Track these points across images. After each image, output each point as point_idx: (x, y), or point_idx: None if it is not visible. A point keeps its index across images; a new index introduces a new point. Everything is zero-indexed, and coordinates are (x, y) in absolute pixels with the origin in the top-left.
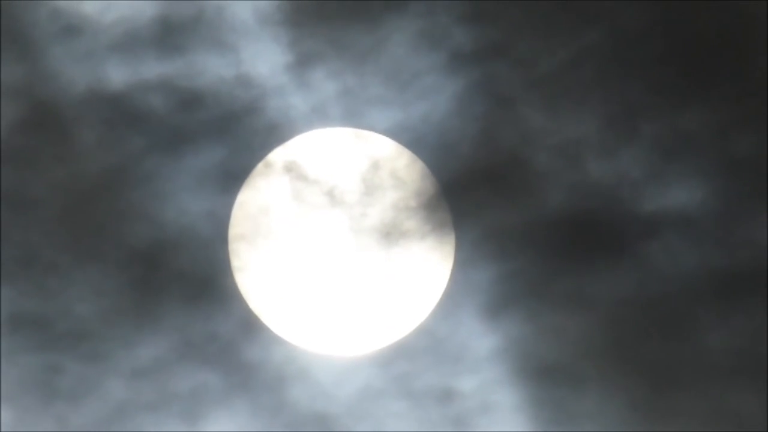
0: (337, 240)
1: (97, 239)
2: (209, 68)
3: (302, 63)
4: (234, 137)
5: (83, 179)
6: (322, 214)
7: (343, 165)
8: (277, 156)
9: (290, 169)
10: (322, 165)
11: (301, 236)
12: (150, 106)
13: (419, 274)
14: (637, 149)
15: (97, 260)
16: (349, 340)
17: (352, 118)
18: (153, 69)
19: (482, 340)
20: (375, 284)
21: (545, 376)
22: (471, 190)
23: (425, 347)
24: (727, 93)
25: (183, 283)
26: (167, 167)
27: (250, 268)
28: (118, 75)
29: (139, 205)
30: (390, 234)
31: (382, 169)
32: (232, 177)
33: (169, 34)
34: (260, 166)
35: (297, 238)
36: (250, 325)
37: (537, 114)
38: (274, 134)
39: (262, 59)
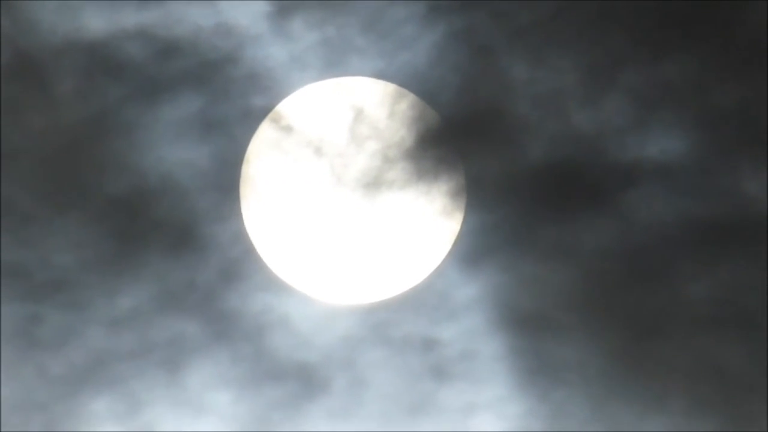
0: (321, 189)
1: (76, 189)
2: (188, 17)
3: (281, 12)
4: (213, 86)
5: (62, 129)
6: (306, 164)
7: (326, 114)
8: (258, 105)
9: (273, 119)
10: (306, 114)
11: (286, 185)
12: (128, 55)
13: (401, 224)
14: (619, 99)
15: (76, 210)
16: (331, 289)
17: (332, 67)
18: (131, 18)
19: (463, 290)
20: (357, 233)
21: (525, 325)
22: (451, 140)
23: (405, 296)
24: (708, 43)
25: (162, 232)
26: (146, 116)
27: (232, 216)
28: (96, 24)
29: (117, 155)
30: (373, 184)
31: (366, 118)
32: (211, 126)
33: None
34: (240, 115)
35: (281, 187)
36: (229, 273)
37: (517, 64)
38: (253, 84)
39: (241, 8)
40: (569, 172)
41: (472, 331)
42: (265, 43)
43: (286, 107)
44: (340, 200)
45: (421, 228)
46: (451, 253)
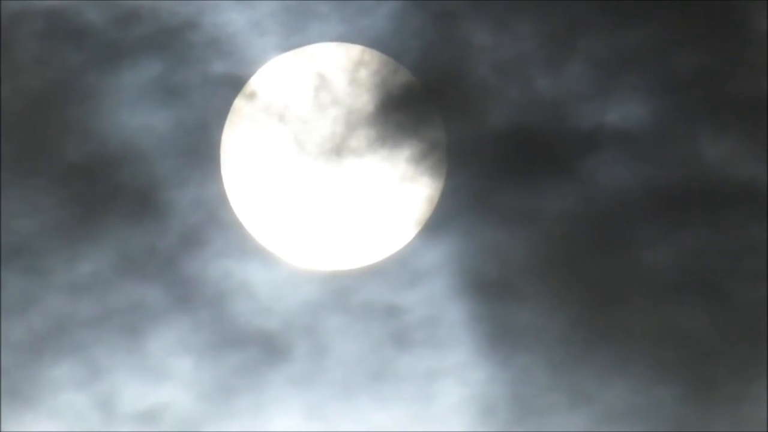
0: (284, 155)
1: (35, 155)
2: None
3: None
4: (173, 52)
5: (20, 95)
6: (270, 130)
7: (289, 81)
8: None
9: (233, 84)
10: (270, 81)
11: (249, 152)
12: (88, 20)
13: (363, 190)
14: (580, 66)
15: (35, 175)
16: (292, 255)
17: (291, 33)
18: None
19: (424, 256)
20: (319, 200)
21: (487, 291)
22: (412, 105)
23: (365, 262)
24: (669, 10)
25: (123, 198)
26: (106, 82)
27: (193, 182)
28: None
29: (78, 121)
30: (335, 150)
31: (328, 84)
32: (171, 92)
33: None
34: (200, 81)
35: (244, 153)
36: (190, 239)
37: (479, 30)
38: (214, 50)
39: None
40: (531, 138)
41: (434, 297)
42: (225, 9)
43: (247, 73)
44: (302, 167)
45: (385, 194)
46: (414, 220)
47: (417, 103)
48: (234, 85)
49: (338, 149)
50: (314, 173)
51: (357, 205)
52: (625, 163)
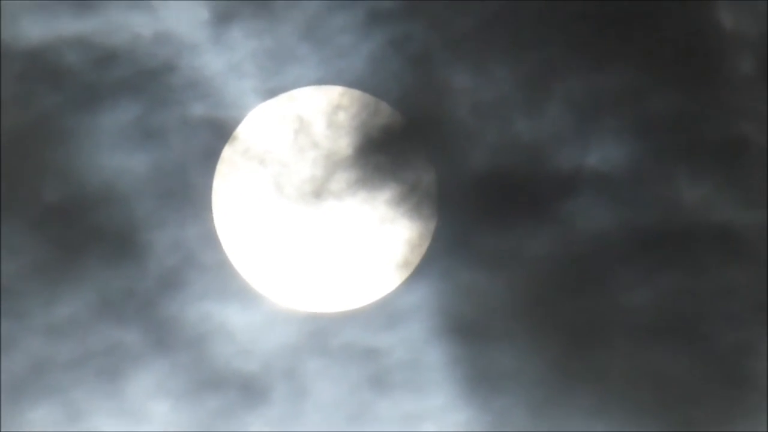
0: (262, 198)
1: (14, 196)
2: (126, 25)
3: (220, 21)
4: (151, 94)
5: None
6: (249, 173)
7: (267, 123)
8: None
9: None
10: (248, 124)
11: (227, 195)
12: (67, 62)
13: (342, 232)
14: (556, 108)
15: (14, 217)
16: (270, 297)
17: (270, 76)
18: (70, 25)
19: (403, 298)
20: (297, 242)
21: (466, 333)
22: (391, 148)
23: (345, 305)
24: (646, 53)
25: (100, 240)
26: (84, 124)
27: (170, 225)
28: (34, 31)
29: (56, 162)
30: (314, 192)
31: (306, 128)
32: (150, 134)
33: None
34: (179, 123)
35: (224, 196)
36: (168, 281)
37: (456, 72)
38: (192, 92)
39: (179, 17)
40: (510, 180)
41: (413, 339)
42: (203, 51)
43: (226, 116)
44: (282, 209)
45: (364, 237)
46: (391, 261)
47: (396, 146)
48: (212, 127)
49: (318, 192)
50: (294, 216)
51: (337, 248)
52: (604, 205)
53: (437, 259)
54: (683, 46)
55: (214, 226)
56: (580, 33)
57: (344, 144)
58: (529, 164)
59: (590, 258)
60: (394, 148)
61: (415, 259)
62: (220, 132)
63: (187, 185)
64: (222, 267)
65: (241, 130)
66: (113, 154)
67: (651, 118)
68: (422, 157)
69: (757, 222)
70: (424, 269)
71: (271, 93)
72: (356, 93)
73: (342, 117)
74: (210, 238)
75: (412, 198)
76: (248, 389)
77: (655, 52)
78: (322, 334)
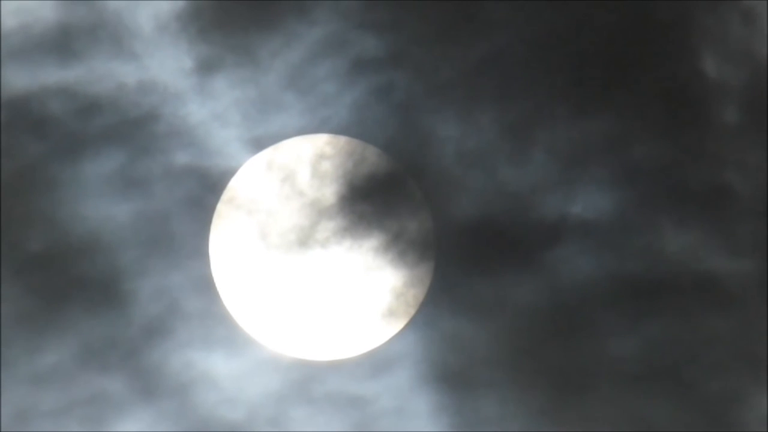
0: (247, 246)
1: None
2: (110, 74)
3: (203, 70)
4: (135, 143)
5: None
6: (233, 222)
7: (253, 173)
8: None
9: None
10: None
11: (211, 243)
12: (51, 111)
13: (327, 280)
14: (541, 157)
15: None
16: (255, 346)
17: (253, 125)
18: (53, 75)
19: (388, 345)
20: (282, 290)
21: (451, 382)
22: (374, 196)
23: (323, 353)
24: (628, 102)
25: (84, 288)
26: (68, 173)
27: (154, 273)
28: (18, 80)
29: (39, 211)
30: (299, 241)
31: (291, 177)
32: (133, 183)
33: (69, 41)
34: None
35: (205, 244)
36: (151, 330)
37: (438, 121)
38: (175, 141)
39: (163, 66)
40: (495, 228)
41: (398, 387)
42: (187, 100)
43: (209, 164)
44: (268, 258)
45: (349, 284)
46: (375, 309)
47: (381, 194)
48: (196, 176)
49: (304, 240)
50: (280, 264)
51: (323, 296)
52: (589, 253)
53: (423, 306)
54: (668, 95)
55: (197, 275)
56: (565, 82)
57: (329, 192)
58: (515, 212)
59: (575, 306)
60: (379, 197)
61: (402, 308)
62: (204, 181)
63: (170, 234)
64: (206, 315)
65: (226, 180)
66: (97, 202)
67: (636, 167)
68: (407, 206)
69: (742, 271)
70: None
71: (256, 142)
72: (342, 140)
73: (327, 165)
74: (194, 286)
75: (397, 246)
76: None
77: (639, 100)
78: (308, 382)
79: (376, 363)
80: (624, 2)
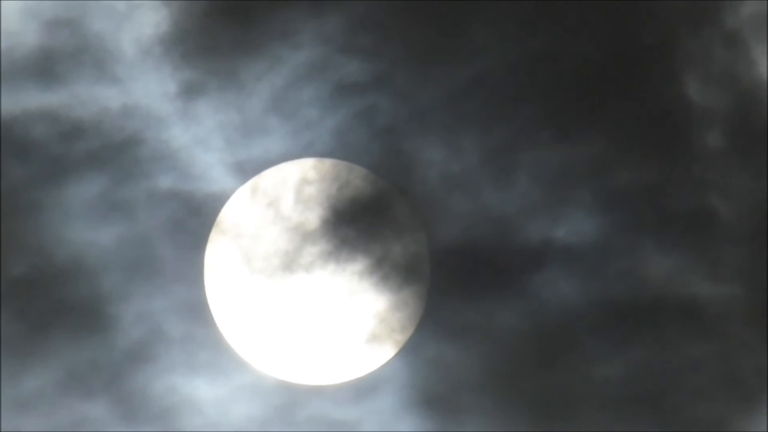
0: (228, 271)
1: None
2: (92, 99)
3: (186, 94)
4: (118, 167)
5: None
6: (217, 246)
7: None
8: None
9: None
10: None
11: (195, 268)
12: (33, 135)
13: (311, 304)
14: (524, 181)
15: None
16: (237, 370)
17: (236, 149)
18: (37, 99)
19: (371, 370)
20: (267, 315)
21: (435, 406)
22: (358, 220)
23: (307, 377)
24: (611, 126)
25: (67, 313)
26: (50, 197)
27: (137, 297)
28: (1, 104)
29: (22, 235)
30: (282, 265)
31: (275, 202)
32: (116, 207)
33: (52, 65)
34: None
35: (190, 269)
36: (134, 354)
37: (421, 145)
38: (158, 165)
39: (146, 90)
40: (479, 252)
41: (382, 412)
42: (170, 124)
43: (192, 188)
44: (251, 282)
45: (333, 308)
46: (357, 333)
47: (365, 218)
48: (179, 200)
49: (288, 264)
50: (264, 289)
51: (307, 320)
52: (572, 278)
53: (403, 332)
54: (652, 119)
55: (181, 299)
56: (548, 106)
57: (313, 217)
58: (499, 236)
59: (559, 330)
60: (363, 220)
61: (381, 330)
62: (187, 205)
63: (153, 258)
64: (190, 339)
65: (209, 204)
66: (80, 226)
67: (619, 191)
68: (391, 230)
69: (725, 295)
70: (392, 342)
71: (238, 166)
72: (326, 163)
73: (310, 190)
74: (177, 310)
75: (380, 271)
76: None
77: (623, 125)
78: (291, 407)
79: (359, 387)
80: (608, 27)
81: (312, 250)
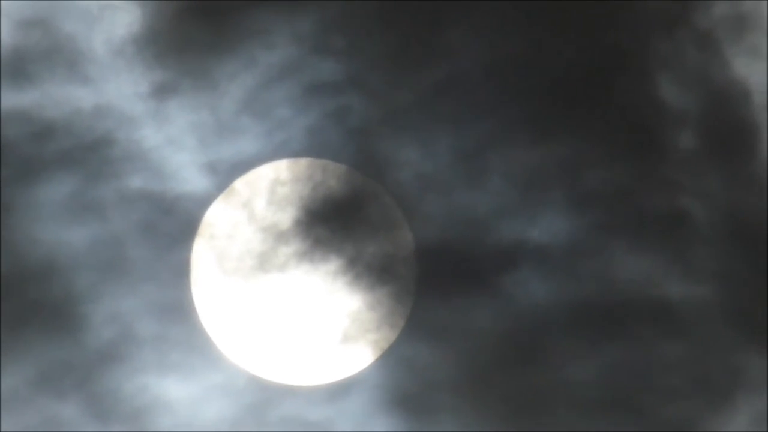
0: (202, 270)
1: None
2: (64, 99)
3: (157, 94)
4: (89, 168)
5: None
6: (188, 246)
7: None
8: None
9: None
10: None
11: (169, 268)
12: (5, 135)
13: (284, 304)
14: (497, 182)
15: None
16: (209, 370)
17: (207, 149)
18: (7, 99)
19: (343, 370)
20: (239, 315)
21: (408, 406)
22: (329, 221)
23: (280, 377)
24: (585, 127)
25: (38, 313)
26: (21, 197)
27: (108, 298)
28: None
29: None
30: (255, 265)
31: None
32: (87, 207)
33: (23, 65)
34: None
35: (164, 270)
36: (106, 354)
37: (394, 146)
38: (130, 165)
39: (117, 90)
40: (452, 253)
41: (355, 413)
42: (141, 124)
43: (163, 188)
44: (223, 282)
45: (306, 308)
46: (328, 333)
47: (339, 218)
48: (151, 200)
49: (260, 264)
50: (236, 289)
51: (279, 320)
52: (545, 278)
53: (375, 331)
54: (624, 120)
55: (152, 299)
56: (521, 107)
57: (286, 217)
58: (472, 237)
59: (532, 331)
60: (337, 220)
61: (354, 330)
62: (159, 205)
63: (125, 258)
64: (161, 339)
65: (181, 204)
66: (51, 227)
67: (592, 192)
68: (363, 231)
69: (697, 297)
70: (365, 341)
71: (211, 166)
72: (301, 163)
73: (283, 190)
74: (149, 310)
75: (353, 270)
76: None
77: (596, 126)
78: (263, 407)
79: (332, 388)
80: (580, 28)
81: (285, 251)
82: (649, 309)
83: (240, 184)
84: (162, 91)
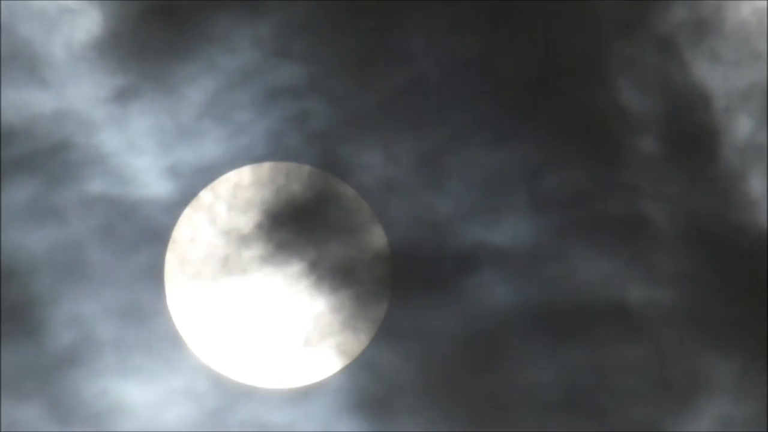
0: (163, 274)
1: None
2: (22, 104)
3: (117, 99)
4: (48, 172)
5: None
6: (146, 249)
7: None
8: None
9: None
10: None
11: (129, 273)
12: None
13: (246, 307)
14: (457, 185)
15: None
16: (168, 374)
17: (167, 153)
18: None
19: (303, 376)
20: (200, 318)
21: (370, 409)
22: (290, 224)
23: (239, 381)
24: (544, 131)
25: None
26: None
27: (67, 301)
28: None
29: None
30: (217, 268)
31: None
32: (46, 211)
33: None
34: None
35: (120, 273)
36: (65, 358)
37: (354, 149)
38: (89, 169)
39: (77, 95)
40: (413, 256)
41: (317, 415)
42: (100, 129)
43: (123, 193)
44: (183, 286)
45: (268, 311)
46: (291, 336)
47: (300, 221)
48: (111, 204)
49: (222, 267)
50: (196, 292)
51: (241, 323)
52: (506, 282)
53: (336, 334)
54: (584, 124)
55: (112, 303)
56: (481, 110)
57: (247, 220)
58: (432, 240)
59: (493, 334)
60: (298, 223)
61: (315, 332)
62: (118, 209)
63: (85, 262)
64: (121, 343)
65: (140, 208)
66: (11, 231)
67: (552, 195)
68: (323, 235)
69: (657, 299)
70: (327, 345)
71: (171, 170)
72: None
73: (244, 194)
74: (109, 314)
75: (314, 274)
76: None
77: (556, 129)
78: (223, 411)
79: (294, 391)
80: (540, 31)
81: (247, 254)
82: (609, 312)
83: (202, 190)
84: (122, 95)
